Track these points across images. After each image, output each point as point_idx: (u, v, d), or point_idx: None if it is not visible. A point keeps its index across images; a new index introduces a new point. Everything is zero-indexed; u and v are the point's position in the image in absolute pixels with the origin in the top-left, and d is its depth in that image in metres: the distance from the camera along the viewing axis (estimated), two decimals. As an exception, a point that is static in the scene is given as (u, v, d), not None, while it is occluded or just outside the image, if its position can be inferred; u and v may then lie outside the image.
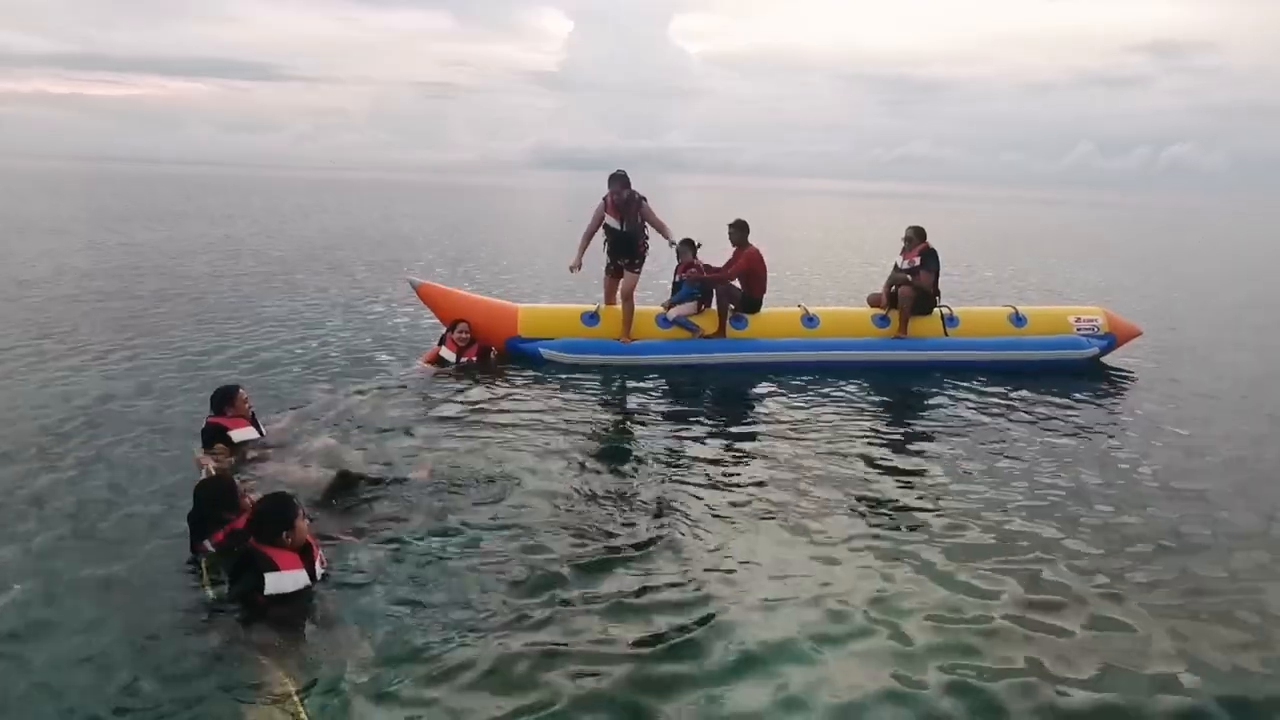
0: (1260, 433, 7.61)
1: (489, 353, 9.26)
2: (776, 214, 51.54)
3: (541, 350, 9.17)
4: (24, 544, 4.70)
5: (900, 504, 5.70)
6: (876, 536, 5.17)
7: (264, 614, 3.96)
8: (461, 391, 8.02)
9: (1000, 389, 8.74)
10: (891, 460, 6.60)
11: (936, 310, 9.91)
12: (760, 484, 5.96)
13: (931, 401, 8.40)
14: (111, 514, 5.08)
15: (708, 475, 6.12)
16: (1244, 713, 3.62)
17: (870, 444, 6.97)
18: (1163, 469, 6.53)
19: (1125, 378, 9.69)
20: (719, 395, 8.50)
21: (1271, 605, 4.49)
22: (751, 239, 9.77)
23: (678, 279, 9.80)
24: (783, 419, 7.57)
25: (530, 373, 8.79)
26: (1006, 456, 6.72)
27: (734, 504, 5.58)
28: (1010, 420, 7.75)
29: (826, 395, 8.40)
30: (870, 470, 6.34)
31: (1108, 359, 10.14)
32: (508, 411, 7.43)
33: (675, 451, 6.65)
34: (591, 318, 9.53)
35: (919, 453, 6.81)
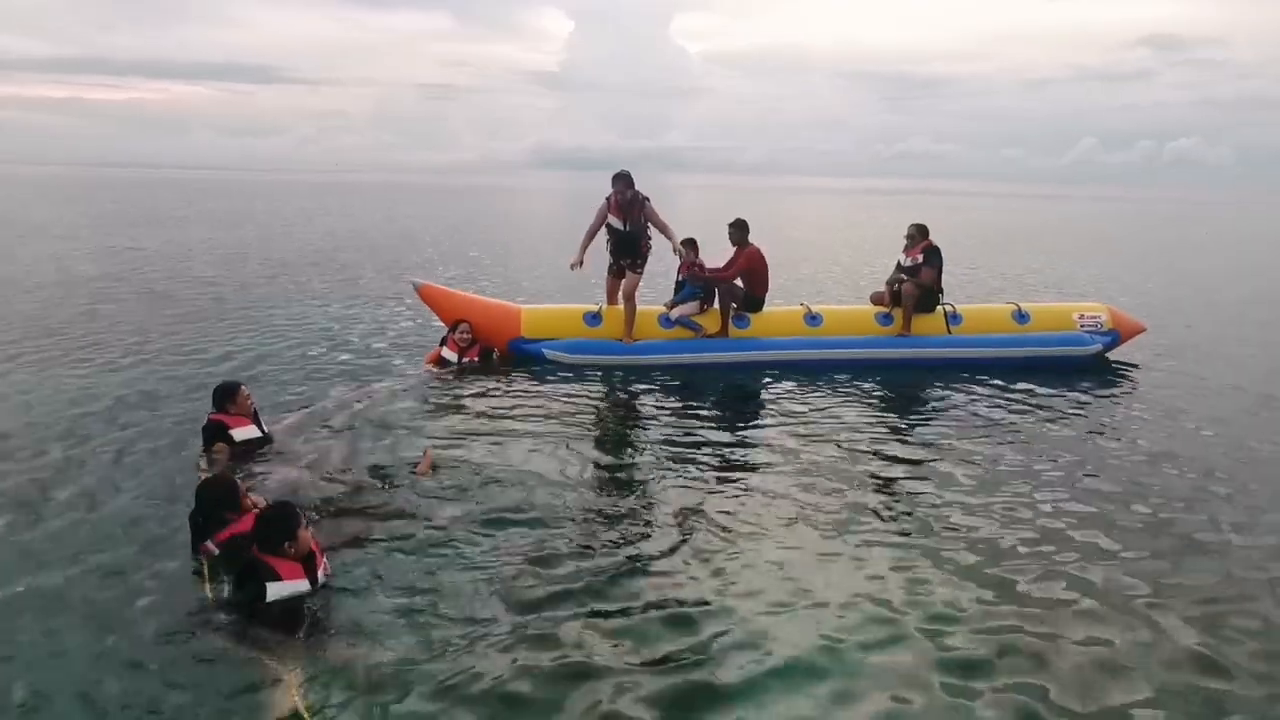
0: (1268, 430, 7.57)
1: (491, 353, 9.26)
2: (777, 213, 51.52)
3: (544, 351, 9.16)
4: (26, 544, 4.70)
5: (907, 504, 5.67)
6: (884, 537, 5.13)
7: (266, 618, 3.95)
8: (464, 393, 8.02)
9: (1004, 386, 8.72)
10: (897, 459, 6.57)
11: (939, 308, 9.88)
12: (765, 484, 5.93)
13: (935, 400, 8.38)
14: (114, 515, 5.08)
15: (713, 475, 6.10)
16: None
17: (875, 443, 6.94)
18: (1169, 466, 6.50)
19: (1129, 374, 9.66)
20: (722, 395, 8.48)
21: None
22: (753, 238, 9.75)
23: (680, 278, 9.79)
24: (787, 418, 7.55)
25: (532, 373, 8.77)
26: (1011, 454, 6.69)
27: (740, 504, 5.55)
28: (1015, 418, 7.72)
29: (830, 394, 8.38)
30: (876, 470, 6.31)
31: (1112, 355, 10.11)
32: (511, 413, 7.42)
33: (680, 452, 6.62)
34: (594, 318, 9.52)
35: (924, 452, 6.78)
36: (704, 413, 7.76)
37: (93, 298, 12.88)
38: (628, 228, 9.23)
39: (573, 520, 5.20)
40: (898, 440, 7.05)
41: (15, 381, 7.99)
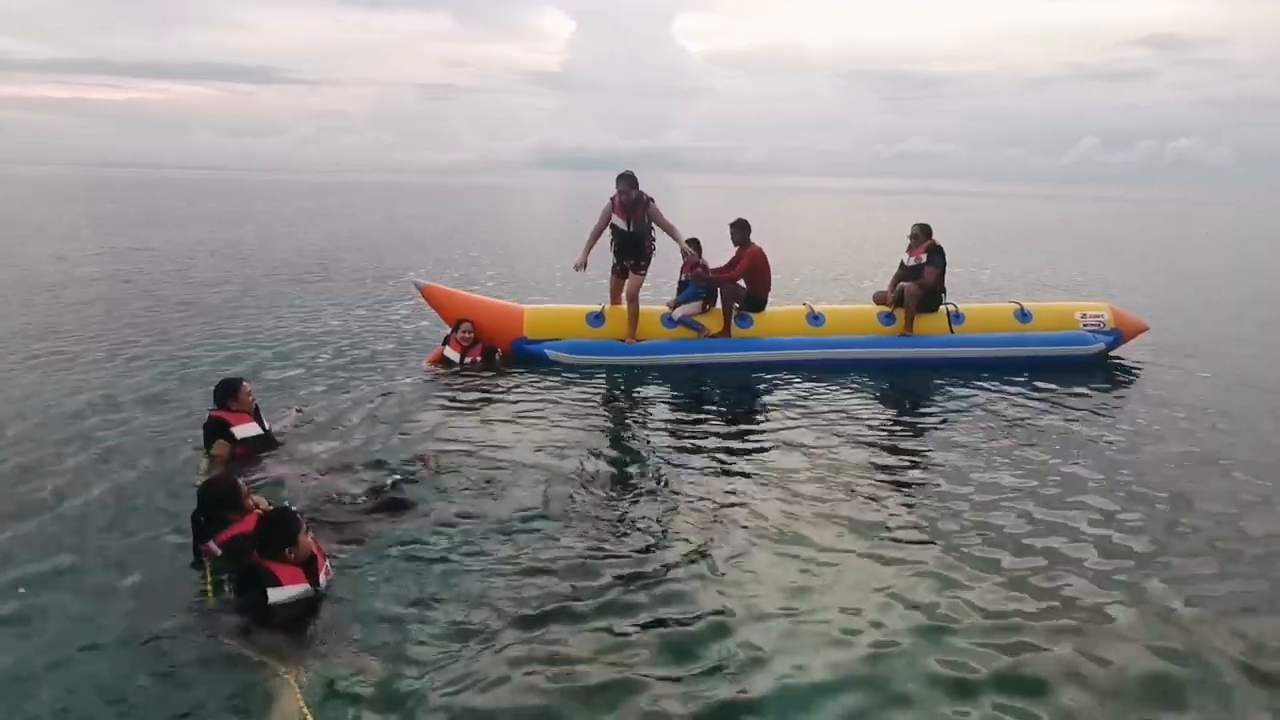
0: (1270, 429, 7.57)
1: (494, 353, 9.26)
2: (778, 213, 51.53)
3: (547, 351, 9.15)
4: (27, 545, 4.69)
5: (912, 504, 5.65)
6: (891, 538, 5.11)
7: (268, 620, 3.94)
8: (466, 393, 8.01)
9: (1007, 385, 8.71)
10: (901, 460, 6.56)
11: (942, 307, 9.88)
12: (769, 485, 5.91)
13: (938, 399, 8.37)
14: (115, 515, 5.08)
15: (716, 476, 6.07)
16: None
17: (879, 443, 6.93)
18: (1173, 465, 6.50)
19: (1133, 373, 9.65)
20: (725, 395, 8.47)
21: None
22: (754, 238, 9.76)
23: (683, 278, 9.79)
24: (790, 418, 7.54)
25: (535, 373, 8.76)
26: (1015, 454, 6.68)
27: (744, 506, 5.52)
28: (1018, 417, 7.71)
29: (833, 394, 8.37)
30: (880, 470, 6.31)
31: (1114, 354, 10.11)
32: (513, 413, 7.41)
33: (682, 453, 6.62)
34: (597, 318, 9.51)
35: (928, 451, 6.78)
36: (707, 413, 7.76)
37: (94, 297, 12.87)
38: (632, 228, 9.22)
39: (576, 523, 5.18)
40: (901, 440, 7.05)
41: (16, 381, 7.99)
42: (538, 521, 5.15)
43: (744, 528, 5.18)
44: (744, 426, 7.38)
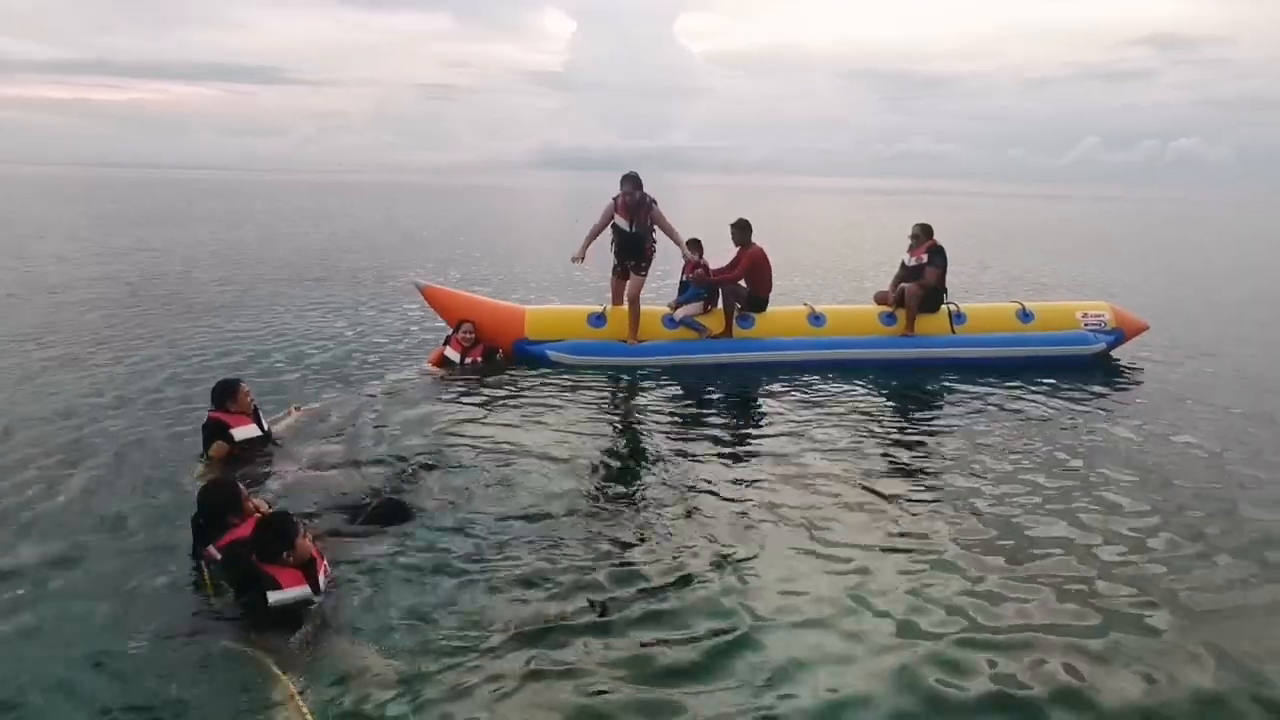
0: (1272, 429, 7.56)
1: (495, 353, 9.26)
2: (779, 213, 51.51)
3: (549, 352, 9.15)
4: (26, 546, 4.69)
5: (914, 504, 5.64)
6: (895, 539, 5.10)
7: (268, 622, 3.93)
8: (467, 394, 8.01)
9: (1008, 385, 8.71)
10: (903, 459, 6.56)
11: (943, 307, 9.88)
12: (773, 487, 5.90)
13: (940, 399, 8.37)
14: (116, 517, 5.07)
15: (719, 478, 6.06)
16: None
17: (881, 444, 6.93)
18: (1175, 465, 6.49)
19: (1133, 373, 9.65)
20: (727, 395, 8.47)
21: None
22: (756, 238, 9.76)
23: (684, 279, 9.79)
24: (792, 419, 7.54)
25: (536, 374, 8.75)
26: (1017, 454, 6.68)
27: (748, 508, 5.50)
28: (1019, 417, 7.72)
29: (834, 394, 8.37)
30: (882, 470, 6.31)
31: (1115, 354, 10.11)
32: (515, 414, 7.41)
33: (685, 454, 6.60)
34: (598, 319, 9.51)
35: (930, 452, 6.78)
36: (708, 414, 7.76)
37: (95, 297, 12.87)
38: (634, 229, 9.22)
39: (577, 525, 5.15)
40: (904, 441, 7.04)
41: (17, 381, 7.99)
42: (539, 524, 5.13)
43: (748, 530, 5.17)
44: (746, 427, 7.39)
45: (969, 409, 7.98)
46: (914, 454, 6.71)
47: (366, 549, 4.70)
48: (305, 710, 3.37)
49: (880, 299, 10.18)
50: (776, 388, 8.59)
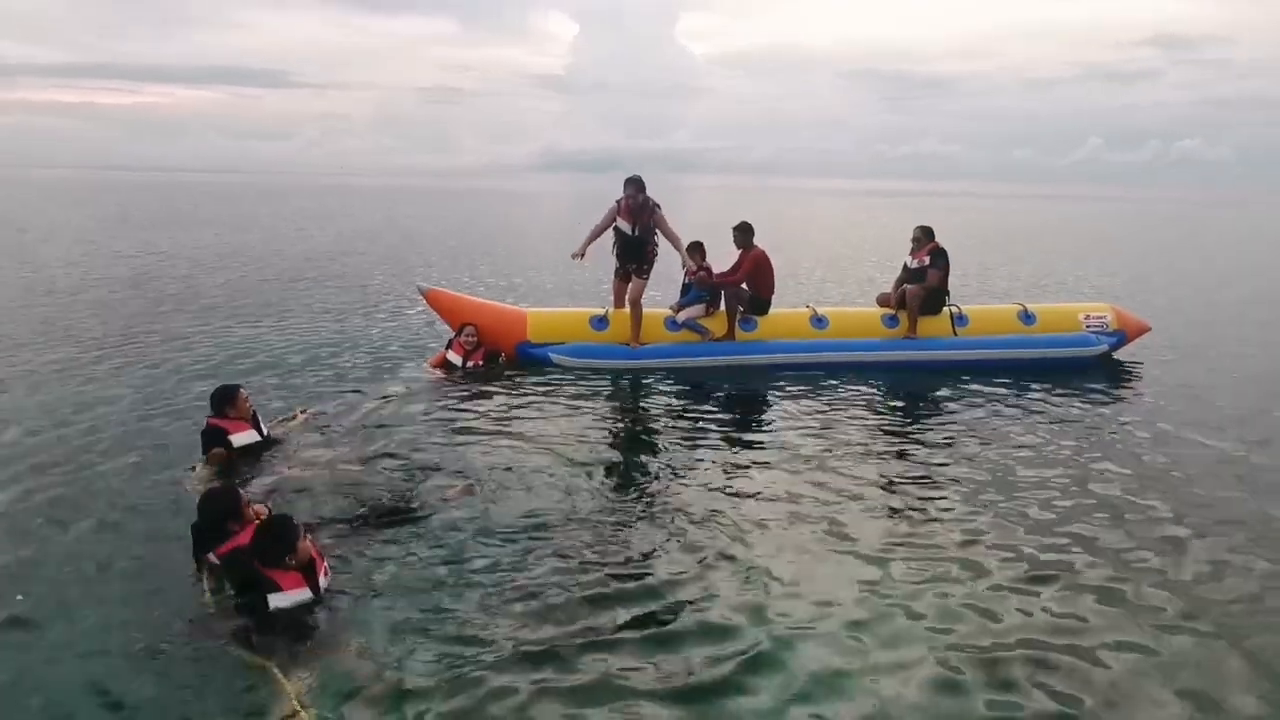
0: (1275, 431, 7.57)
1: (497, 356, 9.27)
2: (781, 214, 51.50)
3: (551, 355, 9.17)
4: (27, 550, 4.70)
5: (921, 508, 5.63)
6: (903, 542, 5.08)
7: (268, 626, 3.94)
8: (469, 397, 8.02)
9: (1011, 387, 8.72)
10: (908, 463, 6.56)
11: (946, 309, 9.90)
12: (776, 490, 5.88)
13: (943, 401, 8.37)
14: (117, 521, 5.08)
15: (722, 481, 6.06)
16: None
17: (885, 446, 6.94)
18: (1178, 466, 6.49)
19: (1136, 374, 9.65)
20: (730, 398, 8.48)
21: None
22: (758, 240, 9.78)
23: (686, 281, 9.81)
24: (795, 421, 7.54)
25: (538, 377, 8.76)
26: (1021, 456, 6.68)
27: (752, 511, 5.48)
28: (1022, 419, 7.72)
29: (837, 396, 8.38)
30: (887, 472, 6.30)
31: (1118, 355, 10.11)
32: (517, 417, 7.41)
33: (688, 457, 6.61)
34: (600, 321, 9.53)
35: (934, 455, 6.76)
36: (712, 416, 7.76)
37: (97, 300, 12.91)
38: (636, 232, 9.24)
39: (581, 529, 5.13)
40: (907, 443, 7.04)
41: (22, 385, 8.02)
42: (542, 528, 5.11)
43: (755, 535, 5.15)
44: (749, 430, 7.40)
45: (972, 411, 7.98)
46: (918, 456, 6.70)
47: (368, 553, 4.71)
48: (305, 715, 3.38)
49: (882, 301, 10.20)
50: (779, 390, 8.60)
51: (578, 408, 7.80)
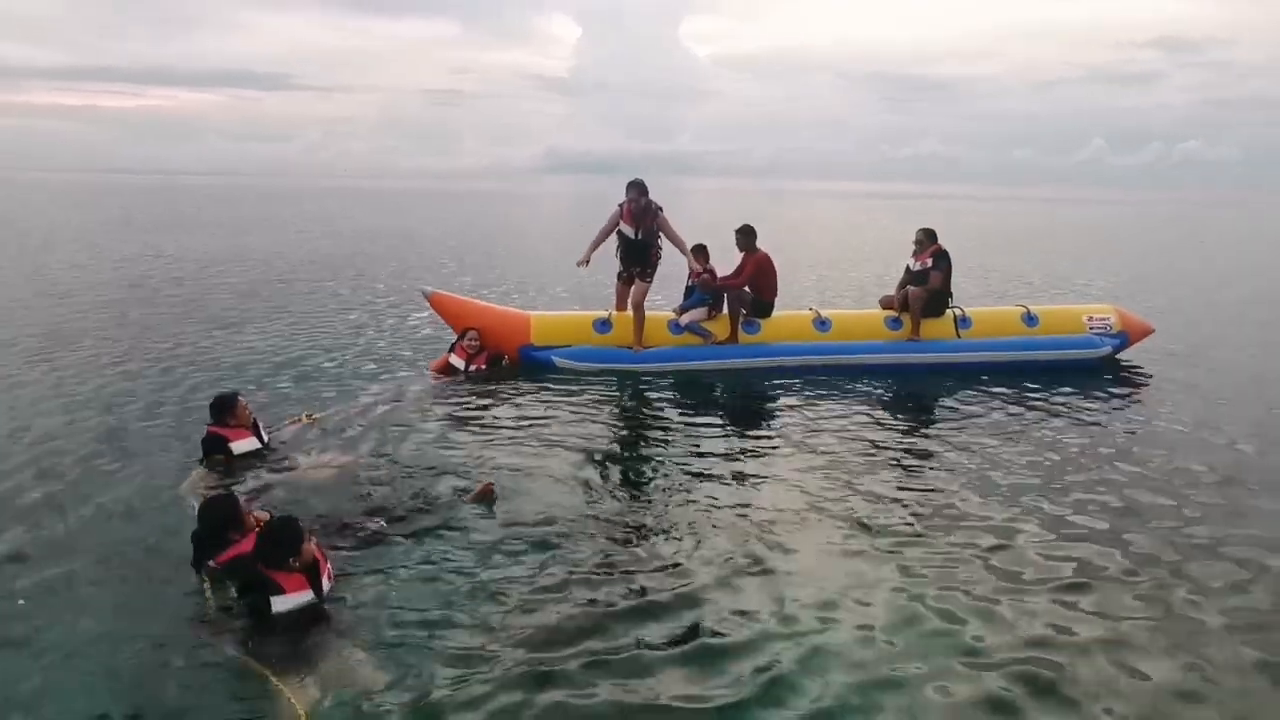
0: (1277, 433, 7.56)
1: (500, 360, 9.27)
2: (784, 216, 51.48)
3: (554, 359, 9.17)
4: (28, 554, 4.71)
5: (925, 510, 5.62)
6: (904, 543, 5.09)
7: (269, 629, 3.93)
8: (472, 401, 8.02)
9: (1014, 389, 8.70)
10: (913, 464, 6.56)
11: (949, 311, 9.89)
12: (780, 493, 5.89)
13: (946, 403, 8.36)
14: (119, 527, 5.09)
15: (726, 485, 6.05)
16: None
17: (889, 449, 6.93)
18: (1183, 468, 6.47)
19: (1139, 376, 9.64)
20: (733, 400, 8.48)
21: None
22: (762, 243, 9.77)
23: (690, 283, 9.81)
24: (798, 424, 7.54)
25: (542, 381, 8.76)
26: (1025, 458, 6.67)
27: (756, 515, 5.47)
28: (1026, 421, 7.70)
29: (841, 399, 8.37)
30: (890, 475, 6.29)
31: (1121, 356, 10.09)
32: (521, 421, 7.41)
33: (692, 460, 6.60)
34: (603, 324, 9.53)
35: (939, 456, 6.75)
36: (715, 419, 7.75)
37: (100, 303, 12.93)
38: (639, 236, 9.24)
39: (588, 535, 5.11)
40: (912, 446, 7.04)
41: (25, 389, 8.04)
42: (549, 533, 5.09)
43: (760, 537, 5.13)
44: (753, 433, 7.38)
45: (976, 413, 7.97)
46: (923, 460, 6.70)
47: (371, 556, 4.71)
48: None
49: (885, 303, 10.19)
50: (782, 393, 8.60)
51: (581, 411, 7.79)
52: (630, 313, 9.37)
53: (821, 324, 9.75)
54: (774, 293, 9.80)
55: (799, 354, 9.43)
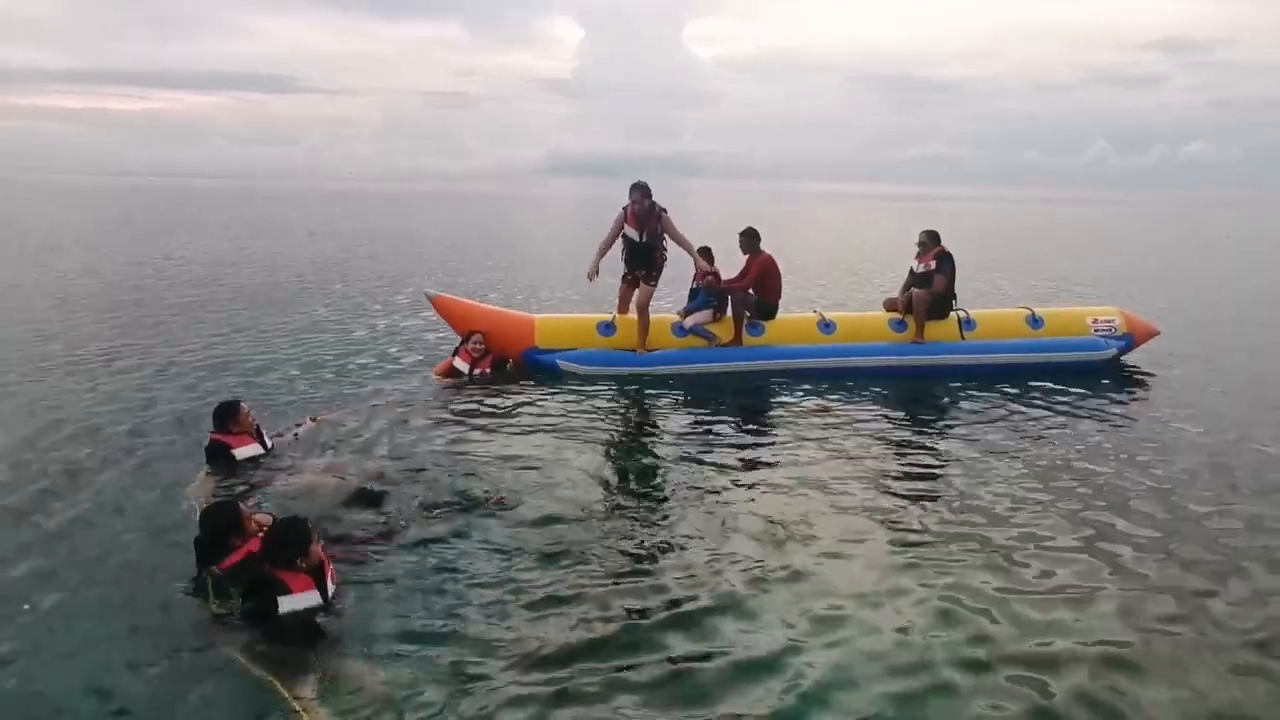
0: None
1: (505, 364, 9.26)
2: (788, 217, 51.45)
3: (559, 362, 9.16)
4: (29, 557, 4.71)
5: (930, 513, 5.60)
6: (910, 547, 5.08)
7: (274, 633, 3.93)
8: (476, 404, 8.01)
9: (1019, 392, 8.69)
10: (918, 467, 6.55)
11: (953, 314, 9.88)
12: (785, 497, 5.87)
13: (950, 406, 8.36)
14: (123, 531, 5.09)
15: (731, 489, 6.03)
16: None
17: (893, 452, 6.92)
18: (1187, 470, 6.46)
19: (1144, 378, 9.61)
20: (738, 403, 8.46)
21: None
22: (766, 244, 9.78)
23: (695, 286, 9.81)
24: (803, 426, 7.53)
25: (546, 385, 8.75)
26: (1029, 461, 6.65)
27: (763, 517, 5.46)
28: (1032, 423, 7.69)
29: (845, 401, 8.37)
30: (895, 478, 6.28)
31: (1126, 359, 10.07)
32: (525, 425, 7.41)
33: (696, 463, 6.59)
34: (608, 327, 9.52)
35: (944, 459, 6.74)
36: (719, 423, 7.74)
37: (107, 305, 12.95)
38: (643, 238, 9.24)
39: (596, 540, 5.09)
40: (916, 449, 7.03)
41: (27, 392, 8.05)
42: (557, 539, 5.07)
43: (765, 541, 5.12)
44: (757, 436, 7.38)
45: (981, 416, 7.96)
46: (928, 462, 6.70)
47: (376, 560, 4.71)
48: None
49: (890, 306, 10.19)
50: (786, 395, 8.59)
51: (586, 415, 7.78)
52: (634, 315, 9.38)
53: (826, 326, 9.74)
54: (778, 295, 9.80)
55: (804, 356, 9.42)
